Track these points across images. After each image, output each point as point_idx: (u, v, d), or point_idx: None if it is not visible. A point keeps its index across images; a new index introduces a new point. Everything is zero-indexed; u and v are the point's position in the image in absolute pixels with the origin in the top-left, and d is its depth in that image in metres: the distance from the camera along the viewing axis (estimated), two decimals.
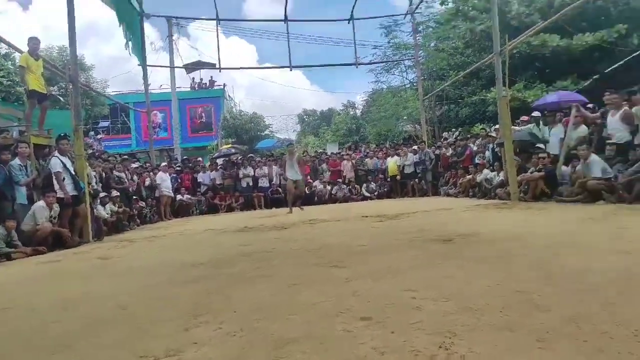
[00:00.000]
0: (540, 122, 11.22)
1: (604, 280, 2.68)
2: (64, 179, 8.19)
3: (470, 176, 13.29)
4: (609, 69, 14.14)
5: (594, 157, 8.33)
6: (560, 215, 6.79)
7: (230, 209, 15.74)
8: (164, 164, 16.69)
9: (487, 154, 13.06)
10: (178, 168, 16.64)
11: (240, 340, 2.19)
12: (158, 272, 4.39)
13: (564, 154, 9.41)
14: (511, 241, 4.39)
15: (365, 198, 16.34)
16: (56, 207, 7.93)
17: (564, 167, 9.32)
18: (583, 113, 9.63)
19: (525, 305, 2.32)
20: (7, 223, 7.01)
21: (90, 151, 13.39)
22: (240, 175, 16.27)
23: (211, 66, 24.52)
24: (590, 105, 11.04)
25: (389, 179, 16.85)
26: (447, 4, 20.18)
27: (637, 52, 13.20)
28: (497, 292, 2.61)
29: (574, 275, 2.87)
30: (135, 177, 13.13)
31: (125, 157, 15.02)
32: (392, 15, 23.86)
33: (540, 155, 9.86)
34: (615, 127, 8.53)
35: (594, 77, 15.16)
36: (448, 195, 14.29)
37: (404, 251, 4.37)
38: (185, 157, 20.22)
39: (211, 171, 16.71)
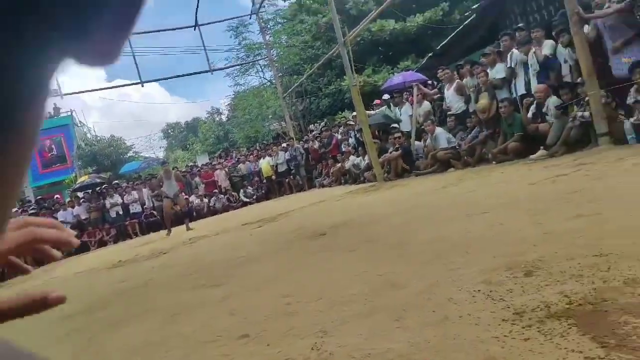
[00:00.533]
0: (391, 104, 12.11)
1: (447, 246, 3.01)
2: None
3: (339, 164, 13.89)
4: (439, 46, 15.65)
5: (438, 130, 9.22)
6: (417, 188, 7.41)
7: (102, 244, 14.65)
8: (14, 209, 14.98)
9: (351, 140, 13.76)
10: (32, 211, 15.06)
11: None
12: (29, 333, 3.97)
13: (414, 130, 10.28)
14: (376, 224, 4.71)
15: (245, 204, 16.27)
16: None
17: (417, 143, 10.17)
18: (423, 90, 10.60)
19: (386, 287, 2.52)
20: None
21: None
22: (108, 206, 15.21)
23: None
24: (429, 82, 12.17)
25: (264, 181, 16.96)
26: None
27: (459, 28, 14.73)
28: (363, 279, 2.80)
29: (424, 246, 3.18)
30: None
31: None
32: (238, 17, 23.78)
33: (396, 135, 10.64)
34: (452, 100, 9.51)
35: (429, 54, 16.68)
36: (323, 186, 14.80)
37: (281, 254, 4.47)
38: (39, 197, 18.34)
39: (73, 207, 15.39)
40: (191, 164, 22.79)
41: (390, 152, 10.52)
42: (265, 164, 17.00)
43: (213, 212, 15.76)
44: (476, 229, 3.32)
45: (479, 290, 2.08)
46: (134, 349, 2.65)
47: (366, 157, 12.08)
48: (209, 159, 23.10)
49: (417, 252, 3.10)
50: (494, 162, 7.95)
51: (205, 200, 16.08)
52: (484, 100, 8.34)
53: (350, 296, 2.53)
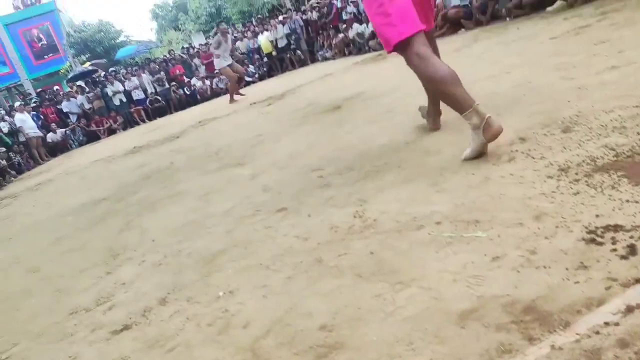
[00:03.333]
0: None
1: None
2: None
3: (341, 35, 13.30)
4: None
5: None
6: None
7: (111, 132, 14.70)
8: (17, 103, 14.81)
9: (350, 8, 13.01)
10: (34, 104, 14.89)
11: (168, 267, 2.22)
12: (58, 223, 4.15)
13: None
14: (392, 94, 4.61)
15: (247, 83, 15.94)
16: None
17: None
18: None
19: (417, 154, 2.53)
20: None
21: None
22: (110, 94, 14.96)
23: None
24: None
25: (265, 58, 16.41)
26: None
27: None
28: (391, 149, 2.80)
29: (450, 113, 3.11)
30: None
31: None
32: None
33: None
34: None
35: None
36: (326, 59, 14.33)
37: (299, 130, 4.46)
38: (39, 89, 17.99)
39: (75, 97, 15.16)
40: (187, 45, 21.92)
41: None
42: (264, 40, 16.29)
43: (216, 93, 15.52)
44: (502, 89, 3.24)
45: (517, 150, 2.07)
46: (175, 228, 2.76)
47: (370, 25, 11.50)
48: (205, 39, 22.16)
49: (442, 119, 3.05)
50: (508, 19, 7.55)
51: (207, 82, 15.74)
52: None
53: (382, 165, 2.55)
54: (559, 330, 1.04)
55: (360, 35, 12.21)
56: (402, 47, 2.26)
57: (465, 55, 5.69)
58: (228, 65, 10.17)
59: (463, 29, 8.46)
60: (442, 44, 7.50)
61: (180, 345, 1.50)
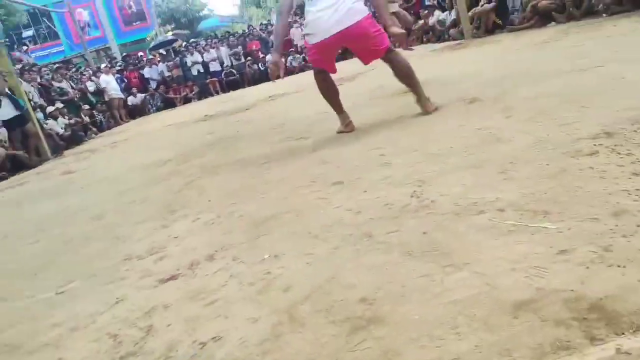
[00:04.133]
0: None
1: (555, 101, 2.73)
2: None
3: (421, 21, 12.90)
4: None
5: None
6: (512, 44, 6.75)
7: (187, 101, 15.23)
8: (104, 65, 15.67)
9: None
10: (119, 67, 15.69)
11: (220, 227, 2.23)
12: (126, 177, 4.34)
13: None
14: (467, 81, 4.39)
15: None
16: (2, 131, 7.53)
17: None
18: None
19: (487, 141, 2.38)
20: None
21: (19, 66, 12.38)
22: (189, 64, 15.47)
23: None
24: None
25: None
26: None
27: None
28: (461, 134, 2.65)
29: (528, 102, 2.92)
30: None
31: (58, 65, 14.03)
32: None
33: None
34: None
35: None
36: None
37: (365, 111, 4.36)
38: (124, 54, 18.93)
39: (157, 64, 15.81)
40: (265, 22, 22.19)
41: (482, 5, 9.51)
42: None
43: (290, 71, 15.62)
44: (590, 83, 2.98)
45: (601, 144, 1.88)
46: (231, 192, 2.78)
47: (452, 12, 11.07)
48: None
49: (520, 108, 2.85)
50: (604, 15, 6.97)
51: (282, 59, 15.86)
52: None
53: (448, 149, 2.42)
54: (627, 334, 0.91)
55: (441, 22, 11.79)
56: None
57: (553, 48, 5.32)
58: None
59: (553, 22, 7.92)
60: (529, 36, 7.11)
61: (220, 300, 1.49)
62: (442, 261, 1.35)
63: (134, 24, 28.24)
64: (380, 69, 8.24)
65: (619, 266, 1.11)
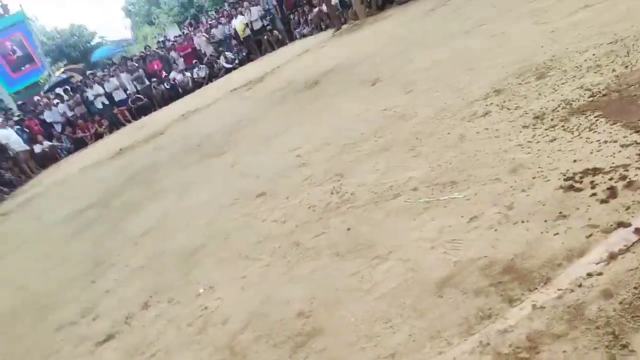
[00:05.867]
0: None
1: (448, 68, 2.85)
2: None
3: (316, 9, 13.02)
4: None
5: None
6: (402, 17, 6.95)
7: (98, 137, 14.48)
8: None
9: None
10: (17, 117, 14.68)
11: (150, 270, 2.15)
12: (46, 236, 4.08)
13: None
14: (367, 63, 4.48)
15: (228, 70, 15.68)
16: None
17: None
18: None
19: (393, 121, 2.44)
20: None
21: None
22: (91, 98, 14.71)
23: None
24: None
25: (242, 42, 16.10)
26: None
27: None
28: (367, 119, 2.70)
29: (424, 73, 3.02)
30: None
31: None
32: None
33: None
34: None
35: None
36: (304, 36, 14.04)
37: (278, 111, 4.35)
38: (20, 102, 17.71)
39: (56, 105, 14.91)
40: (161, 38, 21.51)
41: None
42: (239, 24, 15.92)
43: (199, 84, 15.28)
44: (476, 43, 3.13)
45: (491, 103, 1.99)
46: (156, 228, 2.68)
47: None
48: (181, 30, 21.74)
49: (418, 81, 2.95)
50: None
51: (188, 73, 15.47)
52: None
53: (359, 136, 2.46)
54: (540, 288, 0.97)
55: (334, 7, 11.94)
56: None
57: (439, 15, 5.54)
58: None
59: None
60: (416, 6, 7.35)
61: (161, 351, 1.44)
62: (369, 255, 1.37)
63: (23, 68, 26.32)
64: (287, 65, 8.25)
65: (522, 222, 1.18)
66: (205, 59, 16.22)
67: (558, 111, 1.63)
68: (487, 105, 2.00)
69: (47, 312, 2.30)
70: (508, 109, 1.86)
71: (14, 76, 26.13)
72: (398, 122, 2.39)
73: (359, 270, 1.32)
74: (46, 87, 17.34)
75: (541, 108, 1.71)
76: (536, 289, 0.98)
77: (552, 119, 1.59)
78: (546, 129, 1.55)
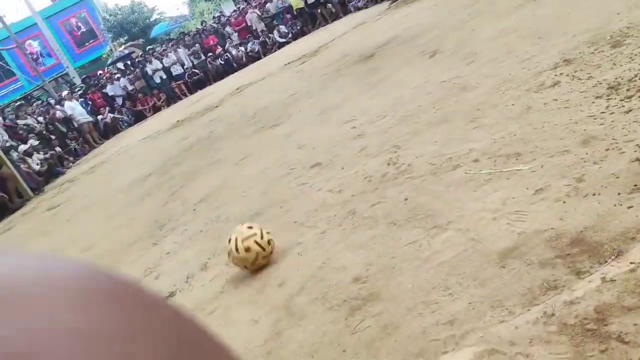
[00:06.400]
0: None
1: (514, 38, 2.72)
2: None
3: None
4: None
5: None
6: None
7: (156, 110, 15.00)
8: (65, 92, 15.36)
9: None
10: (80, 90, 15.40)
11: (208, 234, 2.22)
12: (110, 201, 4.29)
13: None
14: (427, 33, 4.35)
15: (281, 45, 15.71)
16: None
17: None
18: None
19: (453, 92, 2.37)
20: None
21: None
22: (150, 72, 15.19)
23: None
24: None
25: (297, 16, 16.04)
26: None
27: None
28: (426, 90, 2.64)
29: (489, 44, 2.90)
30: (40, 118, 12.20)
31: (20, 102, 13.75)
32: None
33: None
34: None
35: None
36: (358, 9, 13.80)
37: (333, 84, 4.32)
38: (84, 76, 18.53)
39: (118, 79, 15.52)
40: (218, 14, 21.77)
41: None
42: None
43: (253, 58, 15.42)
44: (545, 11, 2.96)
45: (561, 74, 1.89)
46: (215, 195, 2.76)
47: None
48: (236, 5, 21.91)
49: (482, 51, 2.84)
50: None
51: (242, 48, 15.63)
52: None
53: (416, 109, 2.41)
54: (610, 261, 0.93)
55: None
56: None
57: None
58: None
59: None
60: None
61: (220, 308, 1.50)
62: (427, 224, 1.36)
63: (87, 43, 27.56)
64: (342, 38, 8.16)
65: (594, 194, 1.12)
66: (258, 34, 16.31)
67: (635, 81, 1.53)
68: (556, 75, 1.90)
69: (111, 270, 2.43)
70: (579, 79, 1.76)
71: (79, 51, 27.41)
72: (458, 93, 2.32)
73: (417, 239, 1.31)
74: (109, 62, 18.02)
75: (616, 78, 1.61)
76: (606, 261, 0.94)
77: (627, 89, 1.50)
78: (621, 100, 1.46)
